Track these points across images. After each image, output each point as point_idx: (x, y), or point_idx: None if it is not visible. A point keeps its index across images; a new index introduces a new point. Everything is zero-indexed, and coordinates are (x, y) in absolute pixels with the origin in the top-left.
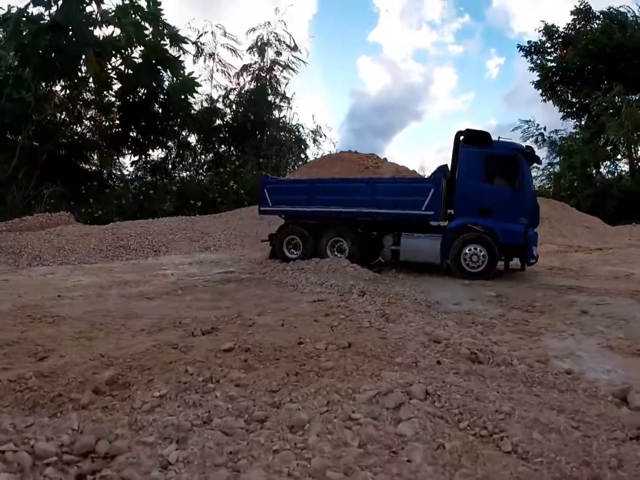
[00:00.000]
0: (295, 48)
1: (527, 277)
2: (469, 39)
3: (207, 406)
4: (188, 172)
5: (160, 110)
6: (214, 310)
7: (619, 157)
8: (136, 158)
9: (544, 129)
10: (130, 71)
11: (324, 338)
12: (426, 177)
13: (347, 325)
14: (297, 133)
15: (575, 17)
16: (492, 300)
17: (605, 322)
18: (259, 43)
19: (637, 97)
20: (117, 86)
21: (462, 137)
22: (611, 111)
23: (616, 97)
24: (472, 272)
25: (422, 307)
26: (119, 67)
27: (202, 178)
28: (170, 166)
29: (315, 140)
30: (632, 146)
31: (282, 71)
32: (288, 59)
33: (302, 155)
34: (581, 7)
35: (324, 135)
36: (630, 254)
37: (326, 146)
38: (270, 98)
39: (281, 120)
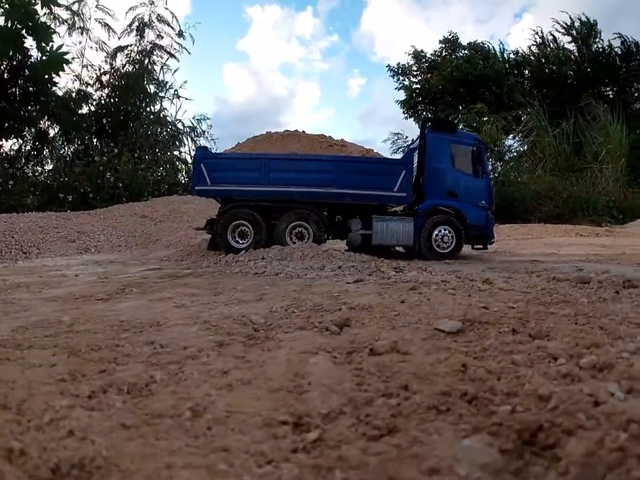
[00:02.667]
0: (180, 33)
1: (480, 257)
2: (334, 57)
3: None
4: (51, 164)
5: (20, 90)
6: (256, 303)
7: None
8: None
9: (412, 141)
10: None
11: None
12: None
13: (463, 294)
14: (173, 128)
15: (443, 45)
16: (495, 271)
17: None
18: (138, 23)
19: (493, 118)
20: None
21: (428, 124)
22: (468, 129)
23: (477, 116)
24: (441, 253)
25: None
26: None
27: (70, 169)
28: (23, 160)
29: (192, 139)
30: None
31: (167, 58)
32: (171, 45)
33: (177, 153)
34: (450, 37)
35: (203, 132)
36: (519, 243)
37: (205, 143)
38: (148, 86)
39: (161, 113)
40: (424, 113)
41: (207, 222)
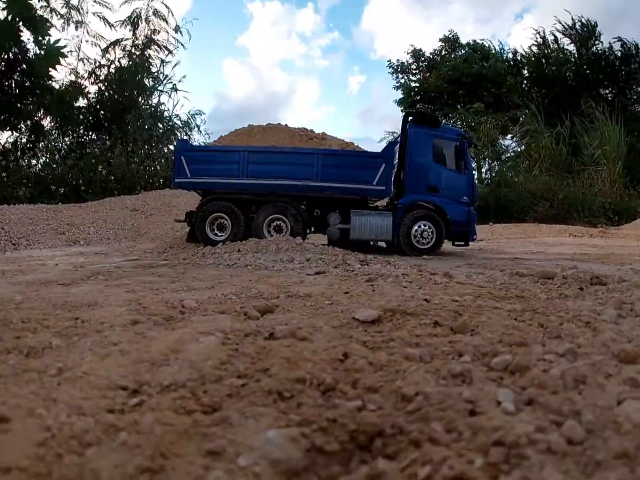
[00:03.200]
0: (176, 29)
1: (462, 254)
2: (335, 54)
3: None
4: (44, 156)
5: (16, 83)
6: (204, 291)
7: None
8: None
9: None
10: None
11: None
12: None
13: (414, 287)
14: (170, 123)
15: (443, 44)
16: (472, 267)
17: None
18: (134, 16)
19: (491, 118)
20: None
21: (410, 118)
22: (467, 128)
23: (474, 115)
24: (421, 249)
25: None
26: None
27: (62, 162)
28: (19, 152)
29: (186, 133)
30: (483, 160)
31: (167, 54)
32: (167, 40)
33: (172, 147)
34: (450, 36)
35: (197, 127)
36: (510, 242)
37: (199, 138)
38: (144, 80)
39: (159, 108)
40: None
41: (186, 215)
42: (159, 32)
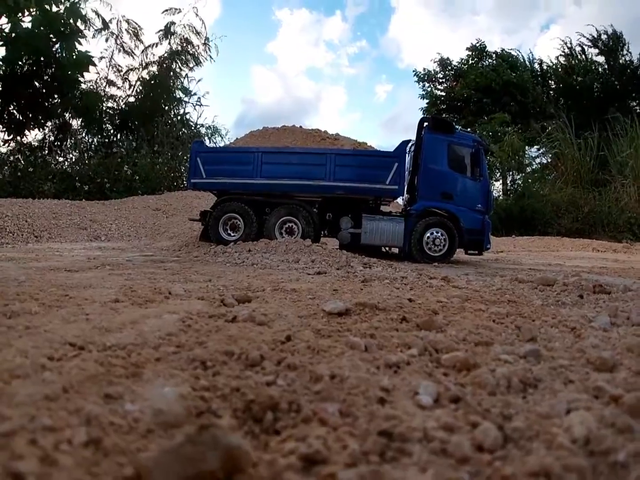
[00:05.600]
0: (205, 42)
1: (476, 263)
2: (362, 62)
3: None
4: (71, 155)
5: (45, 86)
6: (200, 283)
7: (492, 180)
8: (10, 137)
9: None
10: (19, 35)
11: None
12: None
13: (412, 286)
14: (195, 130)
15: (470, 53)
16: (481, 275)
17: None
18: (165, 29)
19: (516, 128)
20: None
21: (426, 124)
22: (492, 138)
23: (500, 126)
24: (433, 256)
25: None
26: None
27: (88, 160)
28: (46, 150)
29: (209, 137)
30: (508, 171)
31: (192, 67)
32: (196, 52)
33: None
34: (477, 45)
35: (218, 130)
36: (530, 254)
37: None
38: (172, 88)
39: (185, 117)
40: None
41: (200, 214)
42: (189, 43)
